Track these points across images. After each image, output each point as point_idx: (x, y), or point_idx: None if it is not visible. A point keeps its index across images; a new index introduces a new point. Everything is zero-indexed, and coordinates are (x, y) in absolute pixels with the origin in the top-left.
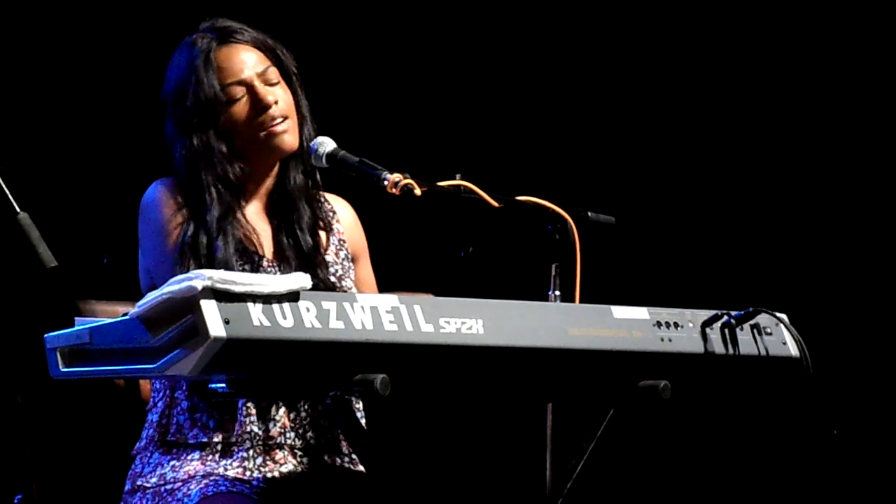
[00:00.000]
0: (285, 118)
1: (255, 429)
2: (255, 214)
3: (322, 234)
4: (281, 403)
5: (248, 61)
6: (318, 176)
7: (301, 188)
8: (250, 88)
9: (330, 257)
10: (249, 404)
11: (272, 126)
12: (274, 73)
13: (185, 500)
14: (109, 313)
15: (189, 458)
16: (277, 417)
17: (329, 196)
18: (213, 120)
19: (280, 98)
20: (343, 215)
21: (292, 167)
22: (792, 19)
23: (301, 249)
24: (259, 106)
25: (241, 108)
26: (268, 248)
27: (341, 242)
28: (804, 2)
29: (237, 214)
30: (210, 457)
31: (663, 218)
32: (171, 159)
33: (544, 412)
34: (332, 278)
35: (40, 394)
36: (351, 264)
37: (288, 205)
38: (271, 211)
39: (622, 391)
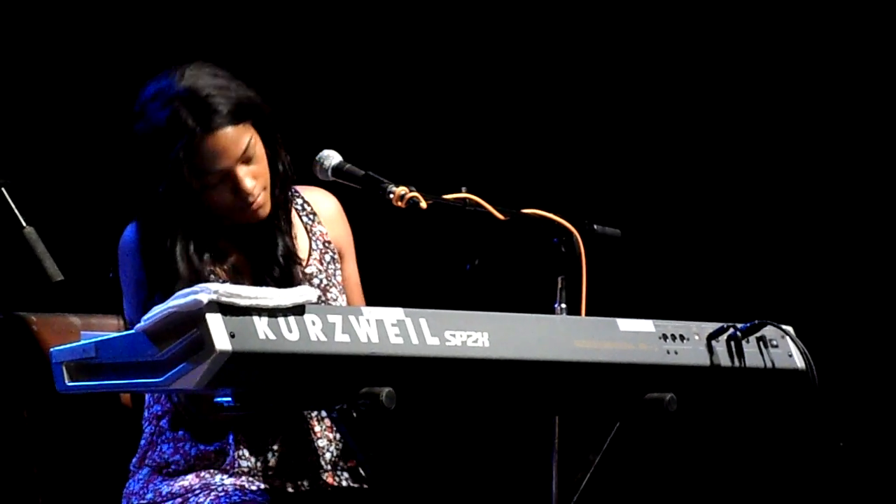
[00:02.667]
0: (262, 190)
1: (248, 464)
2: (227, 248)
3: (294, 260)
4: (274, 429)
5: (230, 149)
6: (287, 202)
7: (268, 225)
8: (230, 175)
9: (313, 268)
10: (241, 438)
11: (250, 205)
12: (252, 147)
13: None
14: (115, 327)
15: (184, 475)
16: (275, 448)
17: (308, 192)
18: (186, 204)
19: (258, 174)
20: (325, 213)
21: None
22: (811, 27)
23: (279, 283)
24: (239, 192)
25: (220, 193)
26: (246, 274)
27: (326, 245)
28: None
29: (211, 257)
30: (203, 473)
31: (669, 230)
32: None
33: (551, 425)
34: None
35: (46, 408)
36: (337, 266)
37: (258, 238)
38: (243, 243)
39: (628, 404)
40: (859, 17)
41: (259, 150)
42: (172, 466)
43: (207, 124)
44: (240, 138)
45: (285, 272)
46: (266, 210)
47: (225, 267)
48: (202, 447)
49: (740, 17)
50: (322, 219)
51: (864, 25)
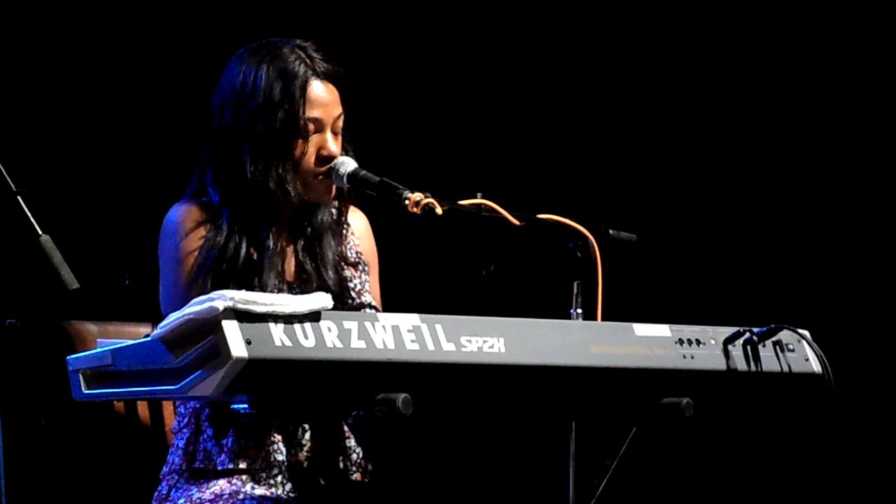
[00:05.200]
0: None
1: (281, 457)
2: (279, 236)
3: (342, 264)
4: (307, 427)
5: (331, 103)
6: (342, 209)
7: (328, 224)
8: (322, 131)
9: (348, 272)
10: (275, 430)
11: (326, 177)
12: (340, 120)
13: None
14: (131, 335)
15: (216, 481)
16: (304, 441)
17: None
18: (290, 149)
19: (338, 152)
20: (357, 227)
21: (324, 204)
22: (821, 29)
23: (325, 283)
24: (323, 153)
25: (311, 146)
26: (289, 271)
27: (358, 255)
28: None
29: (266, 236)
30: (237, 477)
31: (685, 235)
32: (201, 166)
33: (567, 430)
34: (353, 294)
35: (63, 416)
36: (367, 277)
37: (313, 236)
38: (295, 234)
39: (644, 409)
40: (860, 17)
41: (341, 130)
42: (219, 466)
43: (318, 73)
44: (337, 102)
45: (337, 275)
46: (331, 194)
47: (276, 258)
48: (244, 441)
49: (759, 20)
50: (354, 231)
51: (866, 25)
